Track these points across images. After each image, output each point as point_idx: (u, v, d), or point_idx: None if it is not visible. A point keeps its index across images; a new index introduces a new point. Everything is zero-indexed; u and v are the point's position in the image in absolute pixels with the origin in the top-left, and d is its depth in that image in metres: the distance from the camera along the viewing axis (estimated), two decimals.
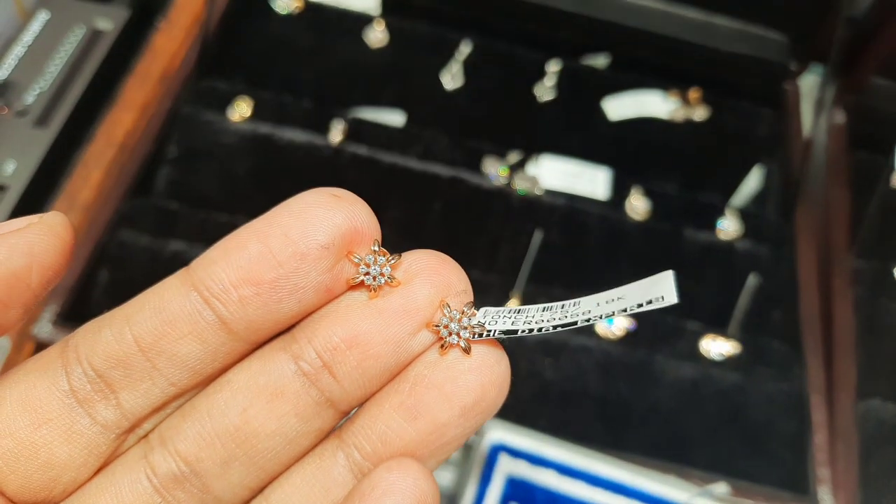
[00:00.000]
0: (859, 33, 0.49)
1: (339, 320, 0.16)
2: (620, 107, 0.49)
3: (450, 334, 0.16)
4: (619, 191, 0.45)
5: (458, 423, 0.16)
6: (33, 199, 0.41)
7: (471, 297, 0.17)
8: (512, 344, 0.39)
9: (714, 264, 0.44)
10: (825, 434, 0.39)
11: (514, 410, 0.37)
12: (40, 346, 0.38)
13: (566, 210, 0.45)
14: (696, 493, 0.31)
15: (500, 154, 0.45)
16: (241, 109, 0.45)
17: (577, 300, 0.16)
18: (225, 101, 0.46)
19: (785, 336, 0.42)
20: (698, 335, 0.41)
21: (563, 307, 0.16)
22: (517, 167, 0.45)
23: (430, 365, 0.16)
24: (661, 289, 0.15)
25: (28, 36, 0.46)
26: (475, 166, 0.45)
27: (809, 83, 0.52)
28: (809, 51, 0.51)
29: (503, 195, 0.45)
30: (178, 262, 0.40)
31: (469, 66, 0.49)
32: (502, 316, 0.16)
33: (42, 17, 0.47)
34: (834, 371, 0.41)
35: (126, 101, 0.45)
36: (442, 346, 0.16)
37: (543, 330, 0.16)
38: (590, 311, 0.15)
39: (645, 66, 0.51)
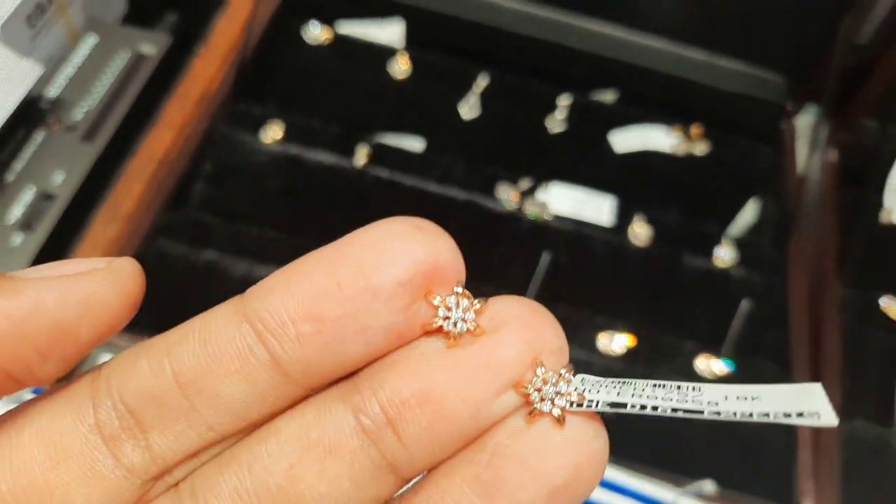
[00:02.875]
0: (852, 77, 0.53)
1: (410, 371, 0.14)
2: (626, 140, 0.52)
3: (542, 400, 0.14)
4: (623, 218, 0.48)
5: None
6: (79, 209, 0.45)
7: (567, 359, 0.14)
8: None
9: (710, 289, 0.47)
10: (810, 451, 0.42)
11: None
12: None
13: (573, 234, 0.48)
14: (683, 490, 0.33)
15: (513, 181, 0.49)
16: (273, 132, 0.49)
17: (698, 385, 0.14)
18: (258, 124, 0.49)
19: (775, 357, 0.45)
20: (694, 354, 0.44)
21: (679, 388, 0.14)
22: (528, 193, 0.49)
23: (514, 434, 0.14)
24: (812, 403, 0.13)
25: (77, 58, 0.50)
26: (489, 191, 0.48)
27: (805, 122, 0.56)
28: (805, 92, 0.55)
29: (514, 219, 0.48)
30: (211, 270, 0.44)
31: (486, 97, 0.53)
32: (604, 385, 0.14)
33: (90, 41, 0.51)
34: None
35: (166, 121, 0.49)
36: (531, 412, 0.14)
37: (659, 410, 0.13)
38: (718, 405, 0.13)
39: (650, 102, 0.54)
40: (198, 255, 0.44)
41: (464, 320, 0.14)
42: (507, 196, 0.48)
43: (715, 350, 0.44)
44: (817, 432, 0.42)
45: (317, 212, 0.47)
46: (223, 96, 0.50)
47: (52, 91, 0.48)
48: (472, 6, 0.56)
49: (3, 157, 0.45)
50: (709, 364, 0.43)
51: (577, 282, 0.46)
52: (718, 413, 0.13)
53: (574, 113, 0.53)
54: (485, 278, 0.45)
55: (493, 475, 0.13)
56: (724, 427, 0.42)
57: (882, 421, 0.43)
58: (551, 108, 0.53)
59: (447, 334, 0.14)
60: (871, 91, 0.53)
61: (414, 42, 0.54)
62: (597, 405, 0.13)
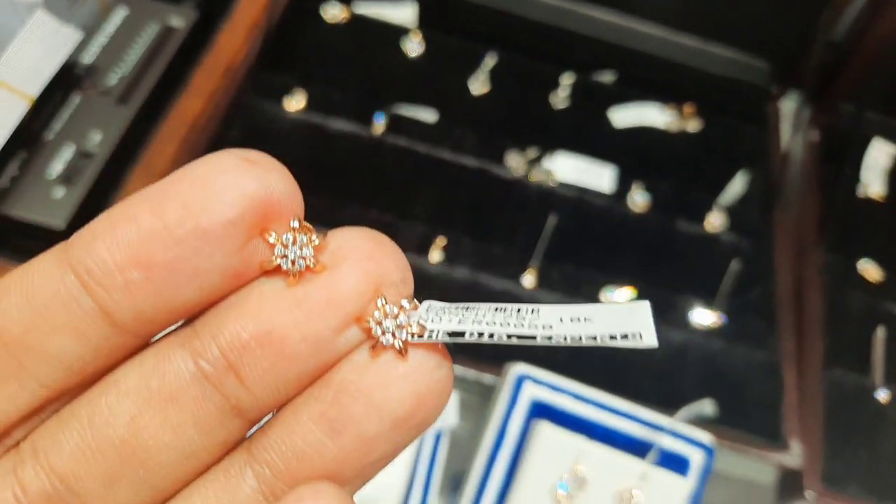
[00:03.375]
0: (830, 65, 0.57)
1: (249, 312, 0.13)
2: (624, 116, 0.56)
3: (383, 333, 0.14)
4: (623, 186, 0.52)
5: (388, 437, 0.14)
6: (115, 166, 0.47)
7: (410, 289, 0.14)
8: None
9: (702, 252, 0.51)
10: (795, 395, 0.46)
11: (530, 360, 0.43)
12: None
13: (576, 200, 0.51)
14: (685, 412, 0.37)
15: (521, 149, 0.52)
16: (296, 101, 0.52)
17: (535, 307, 0.14)
18: (280, 93, 0.52)
19: (762, 313, 0.48)
20: (687, 308, 0.47)
21: (518, 311, 0.14)
22: (535, 162, 0.52)
23: (358, 369, 0.14)
24: (636, 324, 0.13)
25: (110, 28, 0.52)
26: (499, 159, 0.52)
27: (789, 105, 0.60)
28: (789, 78, 0.59)
29: (522, 185, 0.51)
30: None
31: (494, 75, 0.56)
32: (448, 313, 0.14)
33: (121, 13, 0.53)
34: (804, 344, 0.48)
35: (195, 89, 0.52)
36: (373, 346, 0.14)
37: (496, 336, 0.13)
38: (552, 328, 0.13)
39: (646, 83, 0.58)
40: None
41: (302, 257, 0.13)
42: (515, 163, 0.51)
43: (707, 304, 0.48)
44: (802, 378, 0.46)
45: (338, 175, 0.50)
46: (248, 67, 0.53)
47: (87, 58, 0.51)
48: None
49: (44, 117, 0.47)
50: (701, 315, 0.47)
51: (580, 243, 0.50)
52: (550, 338, 0.13)
53: (576, 91, 0.56)
54: (494, 238, 0.48)
55: (337, 411, 0.13)
56: (716, 377, 0.46)
57: (860, 369, 0.47)
58: (555, 86, 0.56)
59: (286, 273, 0.13)
60: (848, 78, 0.57)
61: (426, 22, 0.58)
62: (437, 335, 0.13)
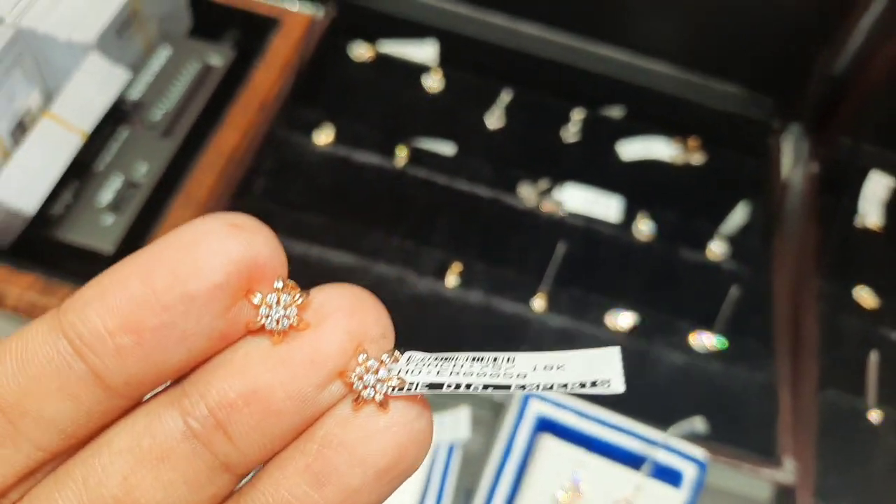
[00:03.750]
0: (831, 97, 0.60)
1: (235, 371, 0.14)
2: (631, 149, 0.59)
3: (364, 387, 0.14)
4: (629, 216, 0.55)
5: (371, 488, 0.14)
6: (159, 195, 0.51)
7: (391, 344, 0.15)
8: (534, 329, 0.48)
9: (704, 279, 0.54)
10: (790, 414, 0.48)
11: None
12: None
13: (584, 229, 0.55)
14: (676, 429, 0.40)
15: (533, 181, 0.56)
16: (325, 135, 0.56)
17: (511, 355, 0.15)
18: (310, 127, 0.56)
19: (760, 337, 0.51)
20: (688, 331, 0.51)
21: (495, 360, 0.15)
22: (546, 192, 0.56)
23: (341, 422, 0.14)
24: (606, 370, 0.14)
25: (154, 66, 0.57)
26: (512, 190, 0.55)
27: (790, 139, 0.63)
28: (790, 112, 0.62)
29: (533, 214, 0.55)
30: None
31: (509, 110, 0.60)
32: (427, 364, 0.15)
33: (165, 53, 0.58)
34: (799, 367, 0.50)
35: (232, 123, 0.56)
36: (355, 400, 0.14)
37: (472, 387, 0.14)
38: (526, 377, 0.14)
39: (653, 118, 0.61)
40: None
41: (286, 317, 0.14)
42: (527, 194, 0.55)
43: (707, 328, 0.51)
44: (797, 398, 0.49)
45: (363, 204, 0.54)
46: (281, 103, 0.57)
47: (135, 94, 0.55)
48: (498, 31, 0.64)
49: (95, 150, 0.52)
50: (701, 339, 0.50)
51: (587, 269, 0.53)
52: (524, 387, 0.14)
53: (586, 126, 0.60)
54: (506, 264, 0.52)
55: (322, 464, 0.14)
56: (714, 397, 0.49)
57: (853, 391, 0.50)
58: (566, 121, 0.60)
59: (271, 332, 0.14)
60: (846, 112, 0.60)
61: (446, 61, 0.62)
62: (416, 388, 0.14)
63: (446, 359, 0.15)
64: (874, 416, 0.49)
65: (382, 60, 0.61)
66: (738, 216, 0.57)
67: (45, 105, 0.50)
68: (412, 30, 0.63)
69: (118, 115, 0.54)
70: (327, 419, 0.14)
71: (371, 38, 0.62)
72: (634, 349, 0.50)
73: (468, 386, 0.14)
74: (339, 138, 0.56)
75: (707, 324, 0.51)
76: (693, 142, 0.60)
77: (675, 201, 0.57)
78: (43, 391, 0.13)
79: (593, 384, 0.13)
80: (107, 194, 0.50)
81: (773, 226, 0.57)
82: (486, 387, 0.14)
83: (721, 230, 0.56)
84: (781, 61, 0.61)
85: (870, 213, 0.58)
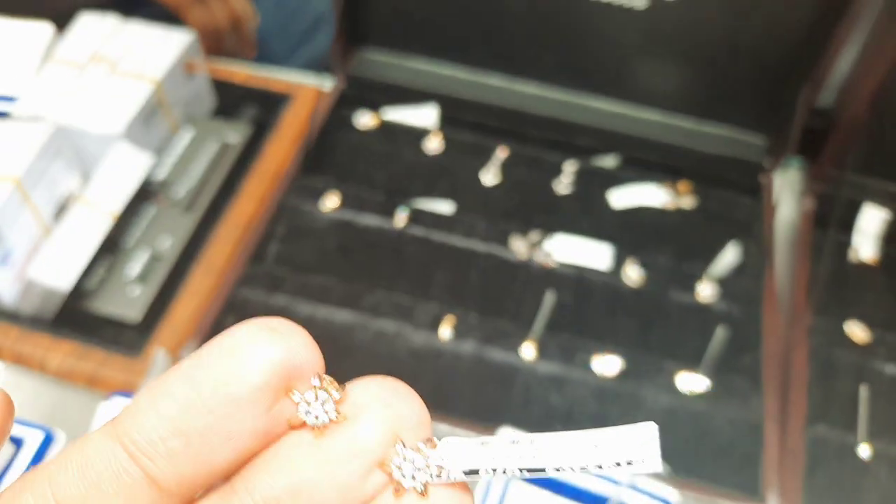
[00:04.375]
0: (819, 132, 0.61)
1: (280, 467, 0.15)
2: (622, 197, 0.62)
3: (404, 476, 0.15)
4: (619, 262, 0.58)
5: None
6: (183, 265, 0.57)
7: (428, 432, 0.16)
8: (524, 376, 0.51)
9: (694, 320, 0.56)
10: (776, 451, 0.50)
11: (526, 425, 0.49)
12: None
13: (575, 277, 0.57)
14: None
15: (524, 233, 0.59)
16: (331, 201, 0.61)
17: (548, 436, 0.15)
18: (319, 194, 0.61)
19: (749, 375, 0.53)
20: (675, 372, 0.52)
21: (531, 443, 0.15)
22: (537, 244, 0.59)
23: None
24: (643, 450, 0.14)
25: (179, 147, 0.63)
26: (505, 243, 0.59)
27: (782, 176, 0.64)
28: (780, 150, 0.64)
29: (525, 266, 0.58)
30: (283, 311, 0.55)
31: (504, 166, 0.64)
32: (465, 450, 0.15)
33: (189, 134, 0.64)
34: (788, 403, 0.52)
35: (247, 194, 0.61)
36: (396, 489, 0.15)
37: (508, 472, 0.15)
38: (560, 458, 0.15)
39: (646, 165, 0.64)
40: (273, 300, 0.56)
41: (325, 411, 0.15)
42: (518, 246, 0.58)
43: (697, 369, 0.53)
44: (783, 433, 0.50)
45: (367, 264, 0.58)
46: (292, 173, 0.62)
47: (160, 174, 0.61)
48: (494, 91, 0.68)
49: (124, 227, 0.58)
50: (687, 380, 0.52)
51: (577, 316, 0.55)
52: (559, 469, 0.14)
53: (578, 177, 0.63)
54: (499, 315, 0.55)
55: None
56: (700, 436, 0.50)
57: (843, 426, 0.51)
58: (559, 172, 0.63)
59: (311, 427, 0.15)
60: (835, 148, 0.61)
61: (446, 123, 0.66)
62: (454, 474, 0.15)
63: (483, 443, 0.15)
64: (864, 450, 0.50)
65: (386, 127, 0.66)
66: (729, 257, 0.59)
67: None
68: (414, 96, 0.67)
69: (145, 194, 0.60)
70: None
71: (375, 107, 0.67)
72: (621, 392, 0.52)
73: (504, 471, 0.15)
74: (345, 203, 0.61)
75: (695, 364, 0.53)
76: (683, 186, 0.62)
77: (666, 246, 0.59)
78: (103, 495, 0.14)
79: (629, 463, 0.14)
80: (135, 267, 0.56)
81: (764, 264, 0.58)
82: (521, 469, 0.15)
83: (711, 271, 0.58)
84: (768, 101, 0.63)
85: (863, 245, 0.59)
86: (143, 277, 0.56)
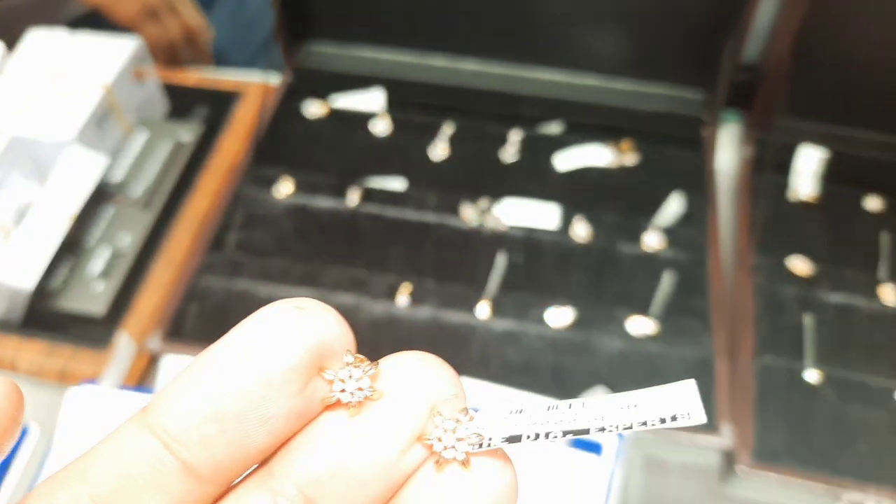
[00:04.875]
0: (750, 84, 0.64)
1: (317, 447, 0.15)
2: (567, 160, 0.64)
3: (445, 448, 0.15)
4: (566, 221, 0.60)
5: None
6: (144, 260, 0.58)
7: (464, 402, 0.15)
8: (480, 334, 0.53)
9: (642, 269, 0.58)
10: (727, 383, 0.51)
11: (486, 378, 0.51)
12: (153, 359, 0.54)
13: (525, 239, 0.59)
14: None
15: (474, 202, 0.61)
16: (285, 187, 0.62)
17: (583, 401, 0.15)
18: (273, 182, 0.63)
19: (697, 316, 0.55)
20: (627, 318, 0.54)
21: (570, 407, 0.15)
22: (486, 210, 0.61)
23: (426, 483, 0.15)
24: (686, 404, 0.14)
25: (134, 149, 0.65)
26: (456, 212, 0.60)
27: (725, 127, 0.66)
28: (716, 103, 0.66)
29: (477, 232, 0.60)
30: (244, 295, 0.56)
31: (452, 141, 0.66)
32: (503, 418, 0.15)
33: (143, 136, 0.66)
34: (736, 338, 0.54)
35: (203, 189, 0.63)
36: (437, 461, 0.15)
37: (551, 435, 0.14)
38: (604, 419, 0.14)
39: (589, 129, 0.66)
40: (234, 285, 0.57)
41: (360, 388, 0.15)
42: (469, 214, 0.60)
43: (647, 314, 0.55)
44: (733, 367, 0.52)
45: (323, 243, 0.60)
46: (246, 165, 0.64)
47: (117, 176, 0.63)
48: (437, 71, 0.70)
49: (84, 227, 0.59)
50: (637, 324, 0.54)
51: (529, 274, 0.57)
52: (603, 429, 0.14)
53: (524, 145, 0.65)
54: (453, 280, 0.57)
55: None
56: (653, 375, 0.52)
57: (790, 355, 0.52)
58: (504, 142, 0.65)
59: (346, 405, 0.15)
60: (766, 95, 0.63)
61: (393, 105, 0.68)
62: (494, 442, 0.14)
63: (520, 411, 0.15)
64: (811, 375, 0.52)
65: (335, 114, 0.68)
66: (674, 207, 0.60)
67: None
68: (361, 82, 0.69)
69: (103, 195, 0.61)
70: (413, 483, 0.15)
71: (324, 96, 0.69)
72: (574, 340, 0.54)
73: (547, 435, 0.14)
74: (299, 188, 0.62)
75: (645, 310, 0.55)
76: (626, 144, 0.64)
77: (612, 202, 0.61)
78: (138, 487, 0.14)
79: (673, 418, 0.14)
80: (97, 265, 0.58)
81: (707, 212, 0.60)
82: (564, 432, 0.14)
83: (657, 222, 0.60)
84: (700, 57, 0.65)
85: (802, 185, 0.61)
86: (105, 274, 0.57)
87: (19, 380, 0.54)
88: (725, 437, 0.49)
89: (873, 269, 0.57)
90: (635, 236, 0.59)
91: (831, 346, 0.53)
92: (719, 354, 0.53)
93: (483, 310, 0.55)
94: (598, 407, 0.14)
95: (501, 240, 0.59)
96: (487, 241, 0.59)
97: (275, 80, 0.71)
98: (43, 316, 0.56)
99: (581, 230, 0.59)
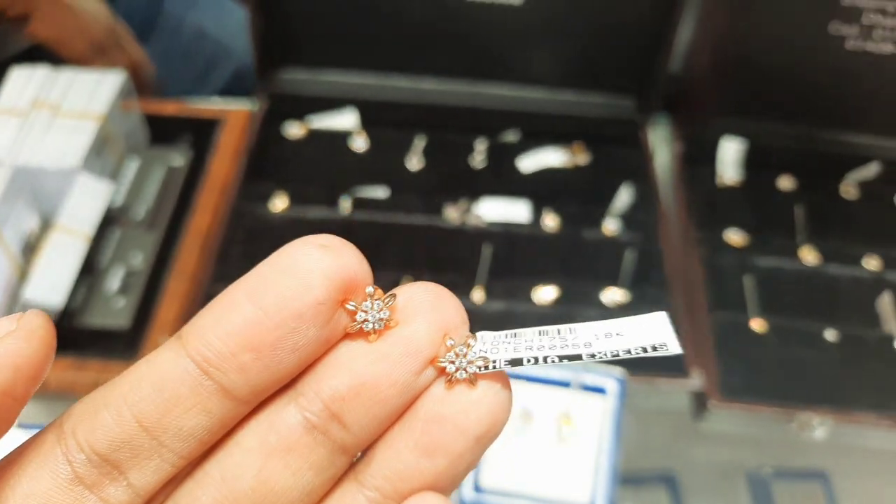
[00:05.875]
0: (677, 90, 0.75)
1: (342, 369, 0.16)
2: (529, 163, 0.72)
3: (456, 370, 0.16)
4: (536, 215, 0.68)
5: (472, 451, 0.16)
6: (157, 275, 0.63)
7: (468, 329, 0.17)
8: (477, 315, 0.60)
9: (606, 250, 0.67)
10: (691, 337, 0.61)
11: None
12: None
13: (504, 232, 0.67)
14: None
15: (455, 203, 0.68)
16: (280, 202, 0.68)
17: (571, 326, 0.16)
18: (267, 198, 0.68)
19: (657, 284, 0.64)
20: (599, 291, 0.63)
21: (559, 332, 0.16)
22: (467, 211, 0.68)
23: (438, 401, 0.16)
24: (661, 335, 0.15)
25: (129, 175, 0.69)
26: (440, 213, 0.68)
27: (658, 127, 0.77)
28: (649, 107, 0.76)
29: (461, 229, 0.67)
30: None
31: (425, 153, 0.73)
32: (501, 342, 0.17)
33: (134, 163, 0.70)
34: (692, 299, 0.63)
35: (202, 207, 0.68)
36: (448, 380, 0.16)
37: (549, 360, 0.16)
38: (592, 346, 0.16)
39: (543, 135, 0.75)
40: None
41: (380, 319, 0.16)
42: (452, 215, 0.68)
43: (614, 286, 0.63)
44: (693, 322, 0.62)
45: None
46: (239, 184, 0.69)
47: (118, 201, 0.66)
48: (403, 91, 0.77)
49: (98, 249, 0.63)
50: (610, 295, 0.63)
51: (512, 262, 0.65)
52: (593, 355, 0.15)
53: (489, 152, 0.73)
54: (446, 269, 0.64)
55: (429, 437, 0.16)
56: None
57: (737, 309, 0.62)
58: (472, 151, 0.73)
59: (367, 332, 0.16)
60: (692, 100, 0.74)
61: (367, 124, 0.75)
62: (499, 365, 0.16)
63: (515, 335, 0.17)
64: (757, 325, 0.62)
65: (314, 134, 0.74)
66: (624, 197, 0.70)
67: (45, 224, 0.62)
68: (334, 104, 0.76)
69: (108, 219, 0.65)
70: (425, 400, 0.16)
71: (301, 118, 0.75)
72: (560, 314, 0.62)
73: (545, 359, 0.16)
74: (293, 202, 0.68)
75: (613, 283, 0.64)
76: (577, 147, 0.74)
77: (572, 196, 0.70)
78: (180, 409, 0.15)
79: (654, 348, 0.15)
80: (114, 282, 0.61)
81: (653, 198, 0.70)
82: (561, 358, 0.16)
83: (612, 210, 0.69)
84: (634, 69, 0.76)
85: (727, 172, 0.72)
86: (123, 290, 0.61)
87: (50, 398, 0.57)
88: (696, 380, 0.58)
89: (793, 236, 0.68)
90: (596, 223, 0.68)
91: (768, 301, 0.64)
92: (680, 313, 0.62)
93: (478, 295, 0.62)
94: (584, 333, 0.16)
95: (484, 234, 0.67)
96: (472, 236, 0.67)
97: (249, 106, 0.76)
98: (67, 334, 0.59)
99: (550, 221, 0.68)
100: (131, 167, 0.69)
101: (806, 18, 0.69)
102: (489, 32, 0.74)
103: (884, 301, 0.64)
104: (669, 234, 0.68)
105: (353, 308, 0.16)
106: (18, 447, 0.16)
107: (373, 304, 0.16)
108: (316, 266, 0.16)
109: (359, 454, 0.17)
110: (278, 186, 0.69)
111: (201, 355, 0.15)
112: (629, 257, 0.65)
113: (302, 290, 0.15)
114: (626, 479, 0.55)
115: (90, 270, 0.62)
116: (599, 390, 0.51)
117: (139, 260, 0.63)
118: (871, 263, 0.66)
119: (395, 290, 0.17)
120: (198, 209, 0.67)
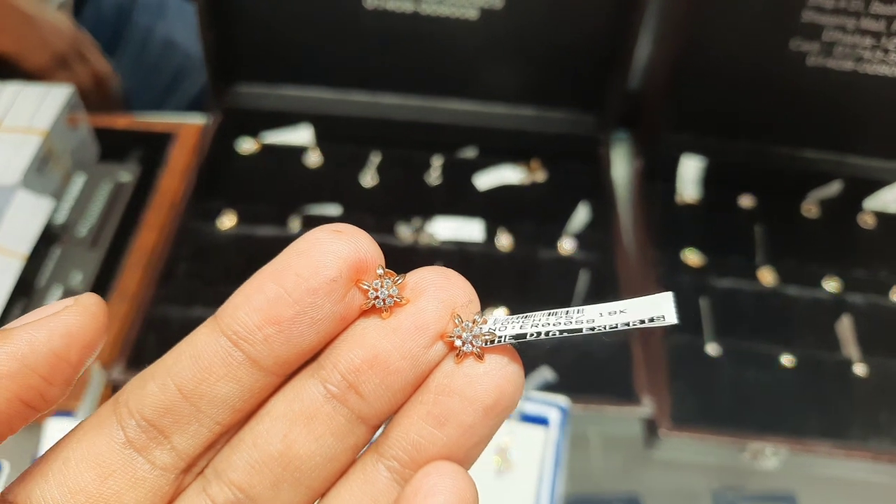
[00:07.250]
0: (636, 107, 0.73)
1: (357, 343, 0.18)
2: (485, 180, 0.71)
3: (463, 344, 0.17)
4: (490, 234, 0.67)
5: (482, 423, 0.17)
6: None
7: (478, 307, 0.18)
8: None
9: (560, 270, 0.65)
10: (643, 362, 0.59)
11: None
12: (116, 387, 0.56)
13: (456, 251, 0.66)
14: (529, 379, 0.50)
15: (407, 221, 0.67)
16: (228, 219, 0.66)
17: (581, 308, 0.17)
18: (216, 215, 0.67)
19: None
20: None
21: (567, 313, 0.17)
22: (419, 229, 0.67)
23: (448, 374, 0.17)
24: (662, 308, 0.16)
25: (74, 191, 0.67)
26: (392, 232, 0.66)
27: (618, 145, 0.76)
28: (608, 124, 0.75)
29: (413, 248, 0.66)
30: (201, 321, 0.60)
31: (379, 169, 0.71)
32: (511, 322, 0.18)
33: (80, 179, 0.68)
34: None
35: (148, 224, 0.66)
36: (457, 355, 0.17)
37: (550, 333, 0.17)
38: (594, 321, 0.16)
39: (501, 152, 0.73)
40: (190, 313, 0.60)
41: (390, 296, 0.17)
42: (404, 233, 0.66)
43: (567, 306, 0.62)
44: (647, 345, 0.60)
45: None
46: (187, 200, 0.68)
47: (61, 217, 0.65)
48: (359, 106, 0.76)
49: (35, 269, 0.61)
50: None
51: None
52: (593, 328, 0.16)
53: (445, 169, 0.72)
54: None
55: (440, 408, 0.17)
56: (575, 358, 0.59)
57: (692, 332, 0.61)
58: (428, 167, 0.72)
59: (380, 310, 0.17)
60: (650, 117, 0.73)
61: (321, 139, 0.73)
62: (504, 339, 0.17)
63: (526, 317, 0.18)
64: (712, 348, 0.61)
65: (267, 149, 0.73)
66: (581, 215, 0.69)
67: None
68: (288, 119, 0.74)
69: (49, 237, 0.63)
70: (436, 373, 0.18)
71: (254, 133, 0.73)
72: None
73: (547, 333, 0.17)
74: (241, 219, 0.66)
75: (567, 304, 0.62)
76: (534, 164, 0.72)
77: (528, 214, 0.69)
78: (214, 378, 0.17)
79: (651, 320, 0.16)
80: (50, 303, 0.59)
81: (610, 217, 0.69)
82: (561, 332, 0.17)
83: (568, 229, 0.68)
84: (592, 86, 0.74)
85: (686, 189, 0.71)
86: None
87: None
88: (647, 407, 0.57)
89: (752, 256, 0.67)
90: (552, 242, 0.67)
91: (725, 323, 0.62)
92: (634, 338, 0.61)
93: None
94: (591, 312, 0.17)
95: (436, 253, 0.65)
96: (424, 256, 0.65)
97: (202, 120, 0.75)
98: None
99: (504, 240, 0.66)
100: (77, 183, 0.68)
101: (767, 35, 0.68)
102: (446, 47, 0.73)
103: (843, 324, 0.62)
104: (626, 254, 0.66)
105: (365, 287, 0.18)
106: (85, 419, 0.18)
107: (383, 282, 0.18)
108: (329, 248, 0.17)
109: (381, 428, 0.19)
110: (228, 203, 0.68)
111: (232, 329, 0.17)
112: (584, 278, 0.64)
113: (317, 269, 0.17)
114: (591, 502, 0.54)
115: (26, 291, 0.60)
116: (541, 420, 0.50)
117: (78, 280, 0.61)
118: (831, 285, 0.65)
119: (408, 273, 0.19)
120: (144, 226, 0.66)
